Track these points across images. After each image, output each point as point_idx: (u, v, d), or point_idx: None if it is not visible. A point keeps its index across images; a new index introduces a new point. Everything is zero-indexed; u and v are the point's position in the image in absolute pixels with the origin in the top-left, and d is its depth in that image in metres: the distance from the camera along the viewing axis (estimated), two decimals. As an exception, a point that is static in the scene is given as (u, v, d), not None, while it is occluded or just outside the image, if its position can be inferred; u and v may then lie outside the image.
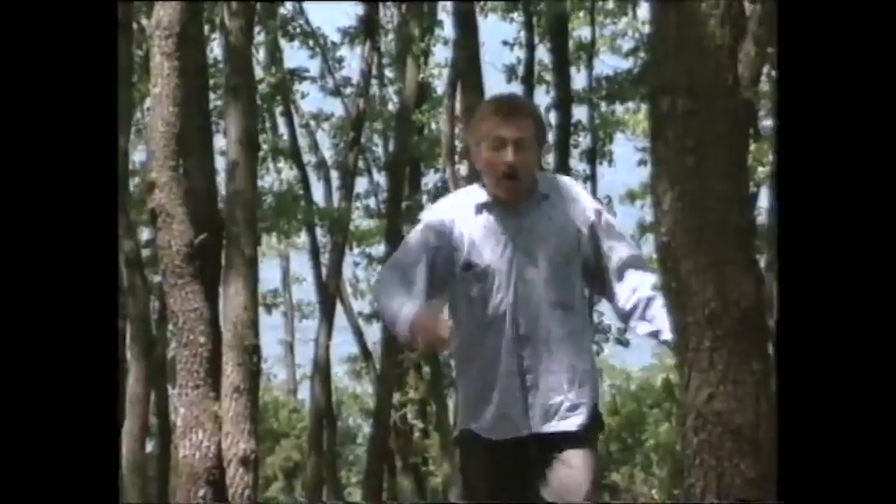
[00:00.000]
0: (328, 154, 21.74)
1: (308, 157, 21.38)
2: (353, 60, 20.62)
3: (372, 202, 22.03)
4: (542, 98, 17.89)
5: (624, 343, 18.50)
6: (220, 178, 10.90)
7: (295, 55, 20.47)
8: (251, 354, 9.44)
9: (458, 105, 17.01)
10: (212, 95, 11.83)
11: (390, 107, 20.68)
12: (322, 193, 20.98)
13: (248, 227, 9.94)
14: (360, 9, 19.69)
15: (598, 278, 4.25)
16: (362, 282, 23.45)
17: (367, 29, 19.25)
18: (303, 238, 22.36)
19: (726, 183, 3.59)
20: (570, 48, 18.06)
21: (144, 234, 15.29)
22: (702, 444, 3.48)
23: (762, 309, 3.67)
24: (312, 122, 21.85)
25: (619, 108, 19.05)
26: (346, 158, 19.49)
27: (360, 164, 20.53)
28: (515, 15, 19.02)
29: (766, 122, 17.34)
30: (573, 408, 4.12)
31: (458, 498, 14.99)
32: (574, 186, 4.36)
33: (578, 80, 18.76)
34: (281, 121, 21.19)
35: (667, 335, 3.88)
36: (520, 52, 18.13)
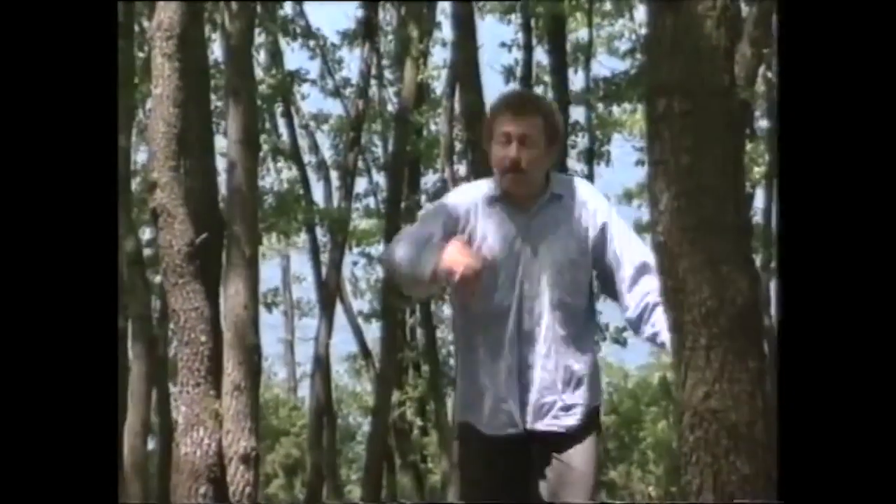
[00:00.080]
0: (328, 154, 21.76)
1: (308, 158, 21.38)
2: (352, 62, 20.65)
3: (371, 202, 22.03)
4: (541, 99, 17.84)
5: (621, 342, 18.51)
6: (221, 179, 10.94)
7: (295, 57, 20.51)
8: (252, 353, 9.49)
9: (456, 106, 17.06)
10: (213, 96, 11.84)
11: (389, 108, 20.68)
12: (322, 193, 20.99)
13: (248, 226, 9.98)
14: (359, 11, 19.73)
15: (610, 283, 4.24)
16: (362, 281, 23.50)
17: (367, 31, 19.27)
18: (303, 237, 22.35)
19: (722, 182, 3.59)
20: (567, 50, 18.07)
21: (146, 233, 15.30)
22: (698, 441, 3.49)
23: (758, 307, 3.68)
24: (312, 123, 21.84)
25: (616, 109, 19.04)
26: (346, 159, 19.51)
27: (360, 164, 20.53)
28: (513, 17, 19.05)
29: (762, 123, 17.38)
30: (567, 408, 4.14)
31: (457, 495, 15.00)
32: (589, 189, 4.33)
33: (576, 81, 18.78)
34: (281, 121, 21.21)
35: (663, 336, 3.89)
36: (518, 54, 18.12)
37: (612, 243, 4.19)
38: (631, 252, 4.18)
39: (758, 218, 16.54)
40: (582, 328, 4.22)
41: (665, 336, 3.90)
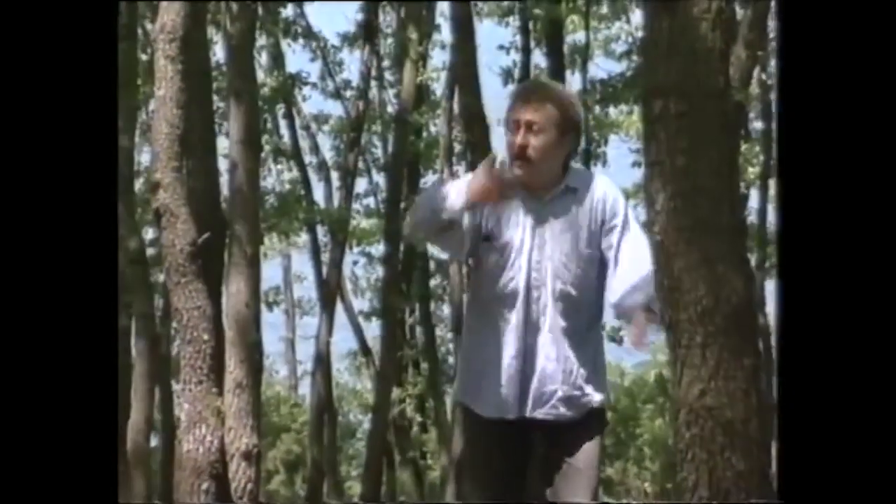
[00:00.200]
0: (328, 155, 21.77)
1: (309, 158, 21.41)
2: (352, 64, 20.68)
3: (371, 202, 22.07)
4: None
5: (618, 340, 18.53)
6: (223, 179, 10.98)
7: (296, 59, 20.54)
8: (253, 351, 9.52)
9: (455, 107, 17.09)
10: (215, 98, 11.87)
11: (389, 109, 20.72)
12: (322, 194, 21.01)
13: (250, 226, 10.01)
14: (359, 14, 19.76)
15: (605, 277, 4.22)
16: (362, 280, 23.54)
17: (367, 33, 19.30)
18: (304, 237, 22.36)
19: (717, 183, 3.64)
20: (565, 52, 18.08)
21: (149, 233, 15.32)
22: (694, 438, 3.54)
23: (752, 306, 3.74)
24: (313, 124, 21.87)
25: (612, 111, 19.04)
26: (346, 159, 19.53)
27: (360, 164, 20.56)
28: (511, 19, 19.09)
29: (757, 124, 17.41)
30: (568, 399, 4.13)
31: (457, 491, 15.02)
32: (606, 185, 4.26)
33: (573, 83, 18.77)
34: (282, 123, 21.23)
35: (625, 303, 4.01)
36: (516, 56, 18.14)
37: (613, 238, 4.16)
38: (631, 252, 4.13)
39: (752, 218, 16.59)
40: (588, 322, 4.22)
41: (628, 301, 3.97)
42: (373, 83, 20.03)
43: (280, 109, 20.57)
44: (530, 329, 4.13)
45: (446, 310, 21.71)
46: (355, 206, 20.84)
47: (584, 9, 17.91)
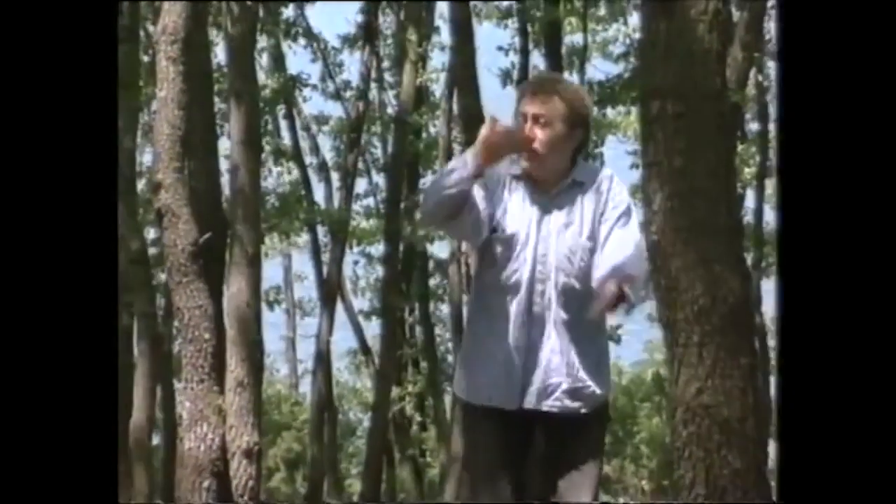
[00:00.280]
0: (329, 156, 21.74)
1: (309, 159, 21.41)
2: (352, 65, 20.67)
3: (371, 202, 22.05)
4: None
5: (615, 339, 18.54)
6: (224, 180, 11.01)
7: (297, 60, 20.55)
8: (254, 350, 9.55)
9: (454, 108, 17.12)
10: (216, 99, 11.90)
11: (389, 110, 20.72)
12: (323, 194, 21.02)
13: (251, 226, 10.05)
14: (359, 15, 19.80)
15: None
16: (362, 279, 23.53)
17: (367, 35, 19.33)
18: (304, 237, 22.37)
19: (714, 184, 3.65)
20: (563, 53, 18.09)
21: (151, 233, 15.34)
22: (691, 436, 3.56)
23: (749, 305, 3.76)
24: (314, 125, 21.86)
25: (610, 112, 19.04)
26: (347, 160, 19.57)
27: (360, 165, 20.58)
28: (510, 21, 19.11)
29: (753, 125, 17.43)
30: (571, 392, 4.12)
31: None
32: (613, 182, 4.23)
33: (572, 84, 18.76)
34: (283, 123, 21.25)
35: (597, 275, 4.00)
36: (514, 58, 18.16)
37: (607, 225, 4.14)
38: (621, 237, 4.11)
39: (748, 218, 16.61)
40: (588, 314, 4.16)
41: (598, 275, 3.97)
42: (373, 84, 20.05)
43: (281, 110, 20.60)
44: (534, 321, 4.13)
45: (445, 309, 21.70)
46: (355, 206, 20.85)
47: (582, 11, 17.93)
